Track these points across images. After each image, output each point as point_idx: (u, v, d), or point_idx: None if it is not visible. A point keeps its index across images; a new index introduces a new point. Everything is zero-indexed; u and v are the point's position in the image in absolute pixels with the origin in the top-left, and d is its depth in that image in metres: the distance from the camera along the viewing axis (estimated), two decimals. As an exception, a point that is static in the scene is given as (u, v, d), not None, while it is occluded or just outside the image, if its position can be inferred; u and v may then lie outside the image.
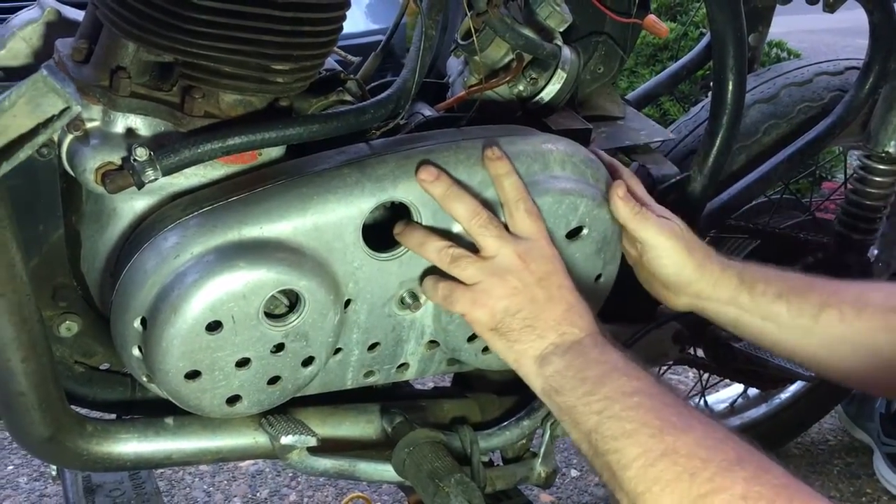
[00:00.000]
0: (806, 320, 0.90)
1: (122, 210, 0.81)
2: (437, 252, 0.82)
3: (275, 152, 0.84)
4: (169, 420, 0.88)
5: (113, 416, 0.94)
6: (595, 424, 0.73)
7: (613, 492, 0.71)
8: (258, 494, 1.90)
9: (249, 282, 0.75)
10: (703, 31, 3.42)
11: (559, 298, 0.81)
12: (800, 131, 1.28)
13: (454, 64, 1.09)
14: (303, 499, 1.89)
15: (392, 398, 1.04)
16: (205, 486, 1.92)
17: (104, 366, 0.94)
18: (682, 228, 0.93)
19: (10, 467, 2.07)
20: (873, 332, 0.87)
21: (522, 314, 0.80)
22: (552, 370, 0.79)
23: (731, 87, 1.07)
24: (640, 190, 0.96)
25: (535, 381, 0.81)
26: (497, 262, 0.81)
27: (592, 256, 0.93)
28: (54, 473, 1.12)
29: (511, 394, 1.12)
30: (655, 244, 0.92)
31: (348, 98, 0.92)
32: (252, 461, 2.01)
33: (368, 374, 0.92)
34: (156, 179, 0.75)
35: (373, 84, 1.04)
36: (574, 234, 0.91)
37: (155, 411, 0.92)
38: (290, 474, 1.97)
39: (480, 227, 0.81)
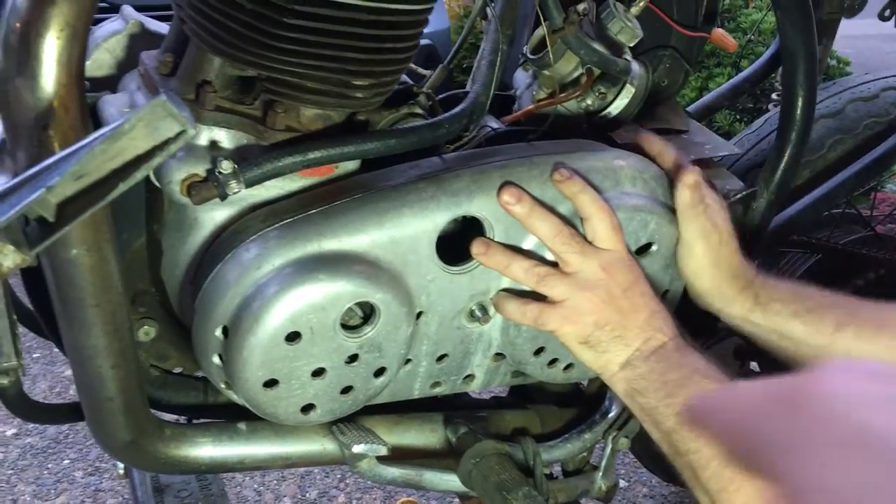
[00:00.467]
0: (822, 339, 0.88)
1: (203, 220, 0.82)
2: (523, 272, 0.83)
3: (350, 165, 0.85)
4: (242, 425, 0.89)
5: (183, 419, 0.97)
6: (675, 425, 0.75)
7: (695, 491, 0.73)
8: (307, 495, 1.92)
9: (329, 294, 0.77)
10: (752, 38, 3.38)
11: (643, 306, 0.84)
12: (865, 147, 1.26)
13: (521, 77, 1.10)
14: (351, 500, 1.91)
15: (453, 408, 1.05)
16: (255, 486, 1.95)
17: (177, 370, 0.96)
18: (720, 242, 0.92)
19: (66, 462, 2.12)
20: (891, 352, 0.85)
21: (610, 326, 0.83)
22: (636, 374, 0.82)
23: (800, 103, 1.06)
24: (708, 192, 0.96)
25: (618, 384, 0.84)
26: (582, 277, 0.83)
27: (661, 272, 0.93)
28: (121, 472, 1.14)
29: (570, 406, 1.12)
30: (689, 243, 0.92)
31: (418, 111, 0.93)
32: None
33: (435, 384, 0.93)
34: (238, 191, 0.77)
35: (441, 96, 1.05)
36: (643, 250, 0.91)
37: (225, 415, 0.95)
38: (339, 476, 1.98)
39: (563, 244, 0.82)
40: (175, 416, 0.96)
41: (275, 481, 1.97)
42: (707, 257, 0.92)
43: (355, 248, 0.79)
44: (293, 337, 0.78)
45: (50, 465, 2.10)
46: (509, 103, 1.11)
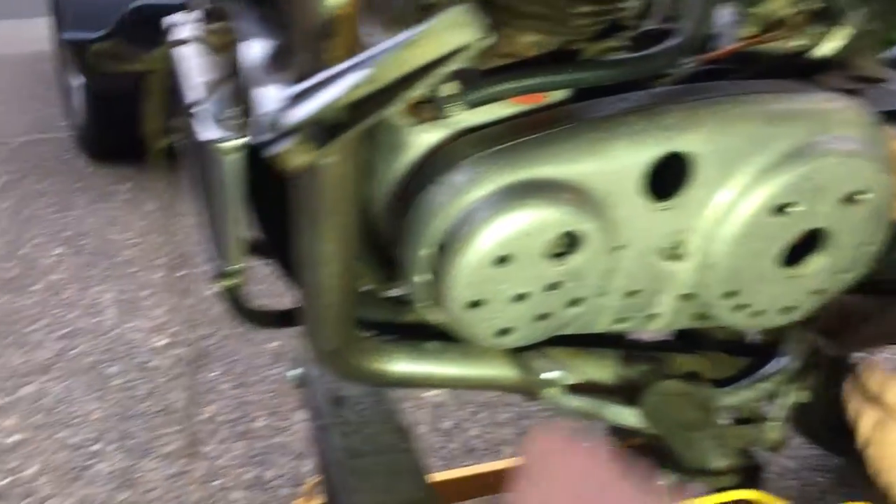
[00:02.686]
0: None
1: (413, 142, 0.84)
2: None
3: (559, 95, 0.85)
4: (431, 345, 0.92)
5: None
6: None
7: None
8: (441, 425, 1.98)
9: (540, 220, 0.78)
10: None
11: None
12: None
13: (724, 14, 1.07)
14: (484, 434, 1.95)
15: (625, 346, 1.05)
16: (394, 412, 2.02)
17: (365, 288, 1.00)
18: None
19: (214, 373, 2.24)
20: None
21: None
22: None
23: None
24: None
25: None
26: None
27: (866, 222, 0.90)
28: (295, 381, 1.20)
29: (739, 354, 1.11)
30: None
31: (622, 44, 0.92)
32: (435, 392, 2.10)
33: (620, 320, 0.94)
34: (458, 114, 0.78)
35: (641, 31, 1.04)
36: (851, 197, 0.88)
37: (409, 334, 0.98)
38: (472, 409, 2.03)
39: None
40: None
41: (409, 409, 2.03)
42: None
43: (567, 177, 0.80)
44: (502, 260, 0.79)
45: (199, 376, 2.23)
46: (706, 41, 1.08)
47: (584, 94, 0.86)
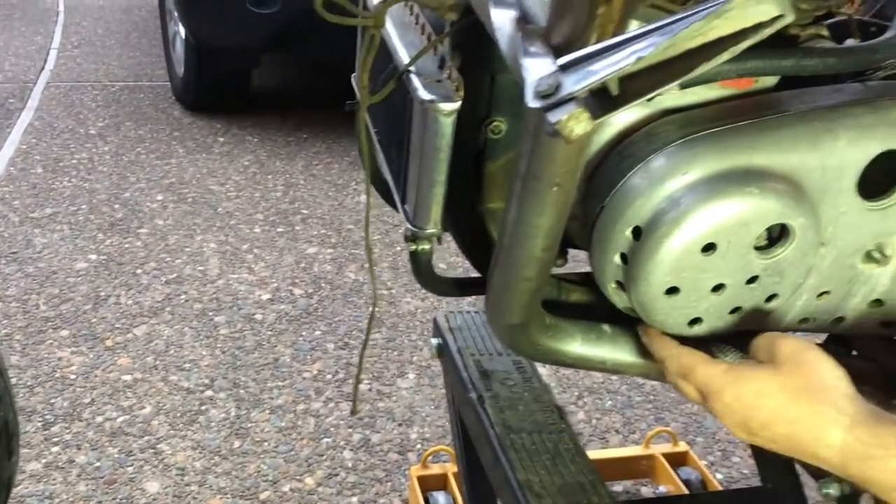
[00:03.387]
0: None
1: (614, 118, 0.82)
2: None
3: (770, 81, 0.82)
4: (607, 328, 0.90)
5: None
6: None
7: None
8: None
9: (756, 209, 0.74)
10: None
11: None
12: None
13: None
14: (591, 419, 1.93)
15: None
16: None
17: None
18: None
19: (318, 332, 2.27)
20: None
21: None
22: None
23: None
24: None
25: None
26: None
27: None
28: (434, 350, 1.19)
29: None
30: None
31: (825, 33, 0.88)
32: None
33: (804, 320, 0.90)
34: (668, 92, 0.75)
35: (830, 21, 0.99)
36: None
37: (573, 315, 0.96)
38: (577, 393, 2.01)
39: None
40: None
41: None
42: None
43: (784, 167, 0.76)
44: (708, 248, 0.76)
45: (304, 333, 2.25)
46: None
47: (785, 83, 0.83)
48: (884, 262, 0.84)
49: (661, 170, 0.77)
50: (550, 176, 0.65)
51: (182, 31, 3.90)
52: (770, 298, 0.83)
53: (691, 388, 0.79)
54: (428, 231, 0.78)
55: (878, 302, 0.89)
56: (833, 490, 0.92)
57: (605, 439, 1.86)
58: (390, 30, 0.85)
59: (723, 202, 0.74)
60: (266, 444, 1.82)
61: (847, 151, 0.77)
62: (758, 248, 0.79)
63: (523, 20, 0.62)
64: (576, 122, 0.48)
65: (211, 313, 2.36)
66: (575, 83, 0.48)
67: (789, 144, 0.76)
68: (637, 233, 0.79)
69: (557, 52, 0.56)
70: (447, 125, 0.73)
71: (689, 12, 0.48)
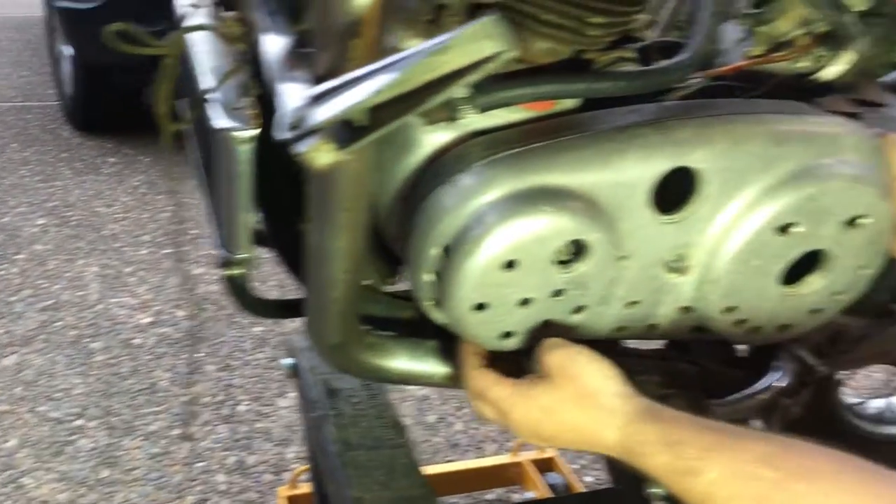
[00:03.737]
0: None
1: (424, 141, 0.85)
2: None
3: (570, 103, 0.86)
4: (432, 343, 0.93)
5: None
6: None
7: None
8: (426, 418, 1.99)
9: (551, 227, 0.78)
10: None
11: None
12: None
13: (731, 30, 1.08)
14: (468, 430, 1.97)
15: (620, 355, 1.06)
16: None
17: (365, 282, 1.00)
18: None
19: (200, 355, 2.24)
20: None
21: None
22: None
23: None
24: None
25: None
26: None
27: (865, 246, 0.92)
28: (288, 370, 1.20)
29: (734, 367, 1.12)
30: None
31: (630, 55, 0.93)
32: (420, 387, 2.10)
33: (620, 329, 0.95)
34: (469, 116, 0.79)
35: (646, 43, 1.04)
36: (853, 222, 0.89)
37: (408, 332, 0.99)
38: (456, 403, 2.04)
39: None
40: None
41: (395, 401, 2.04)
42: None
43: (578, 186, 0.80)
44: (510, 265, 0.80)
45: (184, 356, 2.22)
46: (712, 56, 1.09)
47: (590, 104, 0.87)
48: (685, 271, 0.89)
49: (464, 190, 0.81)
50: (337, 201, 0.68)
51: (69, 48, 3.80)
52: (578, 310, 0.87)
53: (488, 408, 0.82)
54: (239, 256, 0.79)
55: (687, 309, 0.95)
56: (660, 490, 0.97)
57: (480, 448, 1.89)
58: (199, 57, 0.86)
59: (519, 221, 0.78)
60: (136, 472, 1.79)
61: (636, 169, 0.82)
62: (560, 263, 0.83)
63: (297, 47, 0.64)
64: (319, 153, 0.50)
65: (87, 340, 2.31)
66: (321, 115, 0.50)
67: (582, 164, 0.80)
68: (444, 251, 0.82)
69: (319, 82, 0.58)
70: (244, 152, 0.74)
71: (421, 48, 0.51)
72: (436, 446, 1.91)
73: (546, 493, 1.54)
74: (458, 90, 0.53)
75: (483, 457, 1.80)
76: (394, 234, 0.90)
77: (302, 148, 0.50)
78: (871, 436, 1.67)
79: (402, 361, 0.91)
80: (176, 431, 1.93)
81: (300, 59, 0.62)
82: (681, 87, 0.96)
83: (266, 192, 0.87)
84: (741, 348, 1.17)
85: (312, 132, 0.50)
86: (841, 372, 1.50)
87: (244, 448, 1.88)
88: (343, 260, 0.74)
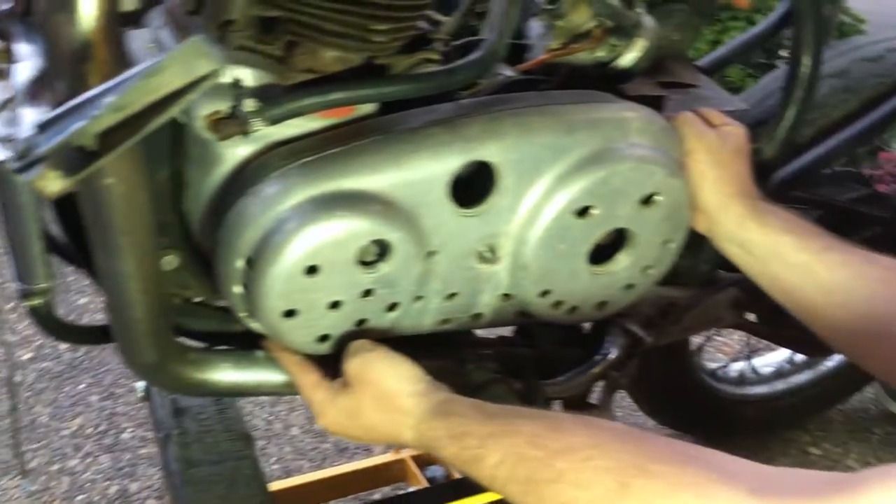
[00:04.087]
0: (809, 256, 0.89)
1: (225, 156, 0.86)
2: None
3: (368, 108, 0.88)
4: (260, 353, 0.94)
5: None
6: None
7: None
8: (314, 426, 1.99)
9: (347, 230, 0.81)
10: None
11: None
12: (869, 106, 1.29)
13: (535, 26, 1.12)
14: (356, 433, 1.99)
15: (461, 345, 1.10)
16: (265, 415, 2.02)
17: (197, 298, 1.01)
18: (724, 150, 0.96)
19: (82, 386, 2.19)
20: (873, 283, 0.85)
21: None
22: None
23: (807, 61, 1.09)
24: (713, 119, 1.01)
25: None
26: None
27: (664, 222, 0.97)
28: (141, 393, 1.20)
29: (573, 346, 1.17)
30: (690, 152, 0.96)
31: (434, 57, 0.96)
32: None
33: (445, 321, 0.98)
34: (261, 129, 0.80)
35: (455, 43, 1.08)
36: (648, 199, 0.95)
37: (243, 343, 1.00)
38: (344, 409, 2.06)
39: None
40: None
41: (284, 412, 2.04)
42: (705, 160, 0.95)
43: (372, 188, 0.83)
44: (312, 270, 0.82)
45: (66, 389, 2.17)
46: (523, 52, 1.14)
47: (395, 107, 0.90)
48: (496, 260, 0.93)
49: (263, 200, 0.82)
50: (113, 226, 0.68)
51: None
52: (392, 308, 0.90)
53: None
54: (38, 286, 0.79)
55: (506, 296, 0.99)
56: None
57: (369, 450, 1.92)
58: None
59: (315, 227, 0.80)
60: (14, 512, 1.75)
61: (429, 168, 0.85)
62: (365, 264, 0.86)
63: (36, 79, 0.64)
64: (47, 181, 0.51)
65: (-37, 382, 2.23)
66: (46, 143, 0.51)
67: (376, 167, 0.83)
68: (248, 263, 0.83)
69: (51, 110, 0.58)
70: (24, 184, 0.74)
71: (136, 70, 0.53)
72: (324, 452, 1.92)
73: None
74: (177, 110, 0.55)
75: (372, 458, 1.82)
76: (208, 249, 0.91)
77: (30, 177, 0.51)
78: (734, 398, 1.76)
79: (228, 374, 0.93)
80: (56, 466, 1.88)
81: (42, 86, 0.62)
82: (485, 84, 1.00)
83: (66, 214, 0.87)
84: (586, 326, 1.22)
85: (38, 161, 0.51)
86: (694, 340, 1.57)
87: (127, 475, 1.85)
88: (136, 281, 0.75)
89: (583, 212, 0.92)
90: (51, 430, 2.00)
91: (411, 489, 1.60)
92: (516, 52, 1.13)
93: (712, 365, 1.75)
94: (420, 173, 0.84)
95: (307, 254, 0.81)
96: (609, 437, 0.66)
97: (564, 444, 0.67)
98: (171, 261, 0.94)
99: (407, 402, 0.80)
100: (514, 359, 1.11)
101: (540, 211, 0.91)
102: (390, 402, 0.81)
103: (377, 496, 1.70)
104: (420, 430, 0.78)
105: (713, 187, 0.96)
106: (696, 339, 1.78)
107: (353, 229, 0.81)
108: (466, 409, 0.77)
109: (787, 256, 0.91)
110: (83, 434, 1.99)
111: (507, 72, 1.06)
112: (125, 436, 1.97)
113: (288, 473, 1.81)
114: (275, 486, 1.56)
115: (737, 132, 1.00)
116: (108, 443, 1.95)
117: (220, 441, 1.04)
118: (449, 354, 1.03)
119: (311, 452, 1.92)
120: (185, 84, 0.53)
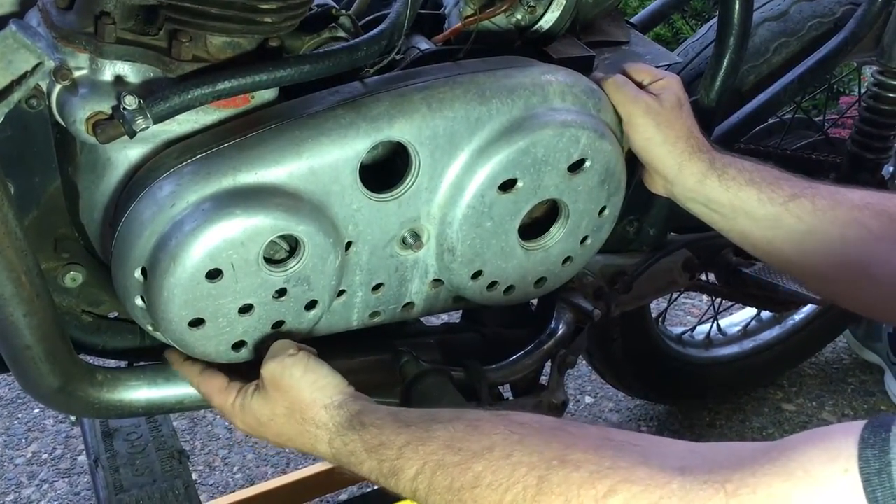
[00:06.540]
0: (776, 208, 0.86)
1: (116, 159, 0.80)
2: None
3: (268, 95, 0.82)
4: (178, 367, 0.88)
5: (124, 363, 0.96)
6: None
7: None
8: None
9: (247, 228, 0.75)
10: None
11: None
12: (811, 49, 1.24)
13: (449, -6, 1.06)
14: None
15: (401, 336, 1.04)
16: (226, 424, 1.95)
17: (112, 314, 0.94)
18: (662, 109, 0.91)
19: (36, 410, 2.12)
20: (843, 226, 0.82)
21: None
22: None
23: (737, 6, 1.03)
24: (643, 77, 0.96)
25: None
26: None
27: (596, 189, 0.92)
28: (73, 418, 1.14)
29: (519, 327, 1.12)
30: (629, 119, 0.91)
31: (342, 35, 0.90)
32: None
33: (374, 314, 0.92)
34: (147, 128, 0.74)
35: (367, 19, 1.02)
36: (576, 166, 0.89)
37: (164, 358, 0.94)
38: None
39: None
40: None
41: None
42: (648, 123, 0.90)
43: (273, 181, 0.77)
44: (214, 274, 0.76)
45: (20, 415, 2.09)
46: (442, 22, 1.07)
47: (302, 93, 0.84)
48: (421, 245, 0.87)
49: (156, 203, 0.76)
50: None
51: None
52: (311, 306, 0.84)
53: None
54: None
55: (438, 282, 0.93)
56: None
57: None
58: None
59: (211, 228, 0.74)
60: (-33, 549, 1.68)
61: (334, 153, 0.79)
62: (274, 262, 0.80)
63: None
64: None
65: (-88, 417, 2.15)
66: None
67: (273, 158, 0.77)
68: (145, 272, 0.77)
69: None
70: None
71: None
72: (288, 457, 1.86)
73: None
74: (7, 107, 0.49)
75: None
76: (109, 261, 0.85)
77: None
78: (703, 360, 1.71)
79: (144, 392, 0.86)
80: (11, 497, 1.81)
81: None
82: (399, 60, 0.94)
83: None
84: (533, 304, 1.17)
85: None
86: (656, 306, 1.52)
87: (85, 499, 1.78)
88: (16, 305, 0.68)
89: (507, 185, 0.87)
90: (5, 458, 1.92)
91: (377, 486, 1.55)
92: (438, 24, 1.07)
93: (677, 330, 1.70)
94: (324, 160, 0.78)
95: (207, 257, 0.74)
96: (529, 430, 0.61)
97: (484, 444, 0.62)
98: (75, 277, 0.88)
99: (321, 415, 0.74)
100: (457, 346, 1.06)
101: (461, 189, 0.85)
102: (303, 413, 0.75)
103: (343, 496, 1.65)
104: (335, 445, 0.73)
105: (662, 149, 0.91)
106: (660, 306, 1.74)
107: (253, 227, 0.75)
108: (383, 418, 0.71)
109: (753, 211, 0.87)
110: (38, 461, 1.92)
111: (423, 45, 1.00)
112: (81, 458, 1.91)
113: (251, 481, 1.75)
114: (239, 494, 1.52)
115: (671, 85, 0.94)
116: (65, 467, 1.88)
117: (153, 462, 0.98)
118: (384, 348, 0.97)
119: (274, 458, 1.86)
120: (8, 82, 0.46)
